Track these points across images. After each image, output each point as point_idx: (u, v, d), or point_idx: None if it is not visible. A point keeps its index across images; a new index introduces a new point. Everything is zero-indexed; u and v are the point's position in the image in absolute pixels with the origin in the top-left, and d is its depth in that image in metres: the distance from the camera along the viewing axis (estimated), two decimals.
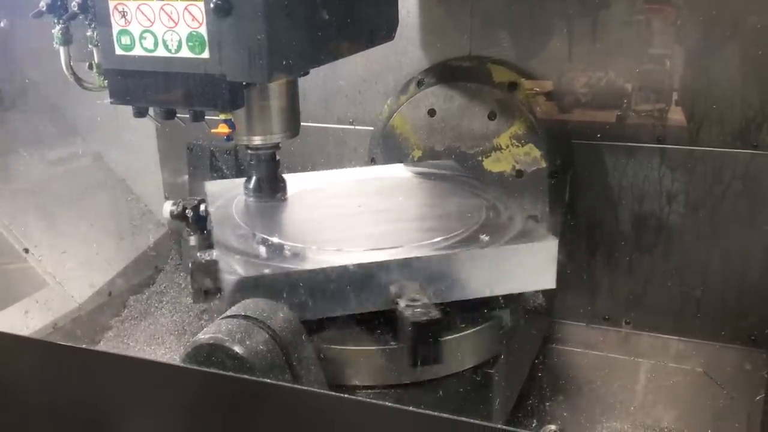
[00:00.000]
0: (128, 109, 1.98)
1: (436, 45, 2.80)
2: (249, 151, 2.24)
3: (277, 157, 2.27)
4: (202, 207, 2.32)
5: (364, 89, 2.95)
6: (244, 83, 1.84)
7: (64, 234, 3.08)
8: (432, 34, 2.80)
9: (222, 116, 1.93)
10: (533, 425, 2.33)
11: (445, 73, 2.71)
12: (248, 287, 1.73)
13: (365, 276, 1.77)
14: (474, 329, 1.82)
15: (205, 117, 1.96)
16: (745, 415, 2.42)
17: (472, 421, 1.10)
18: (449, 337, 1.76)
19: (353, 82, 2.95)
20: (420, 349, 1.64)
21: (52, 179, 3.19)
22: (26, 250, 2.96)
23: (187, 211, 2.42)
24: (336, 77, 2.93)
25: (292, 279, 1.76)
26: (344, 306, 1.78)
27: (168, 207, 2.30)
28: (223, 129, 1.95)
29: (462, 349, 1.81)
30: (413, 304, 1.66)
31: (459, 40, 2.75)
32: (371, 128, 2.88)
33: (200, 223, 2.30)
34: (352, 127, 3.00)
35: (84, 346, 1.40)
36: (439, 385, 1.82)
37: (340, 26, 2.04)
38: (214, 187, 2.43)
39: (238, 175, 3.15)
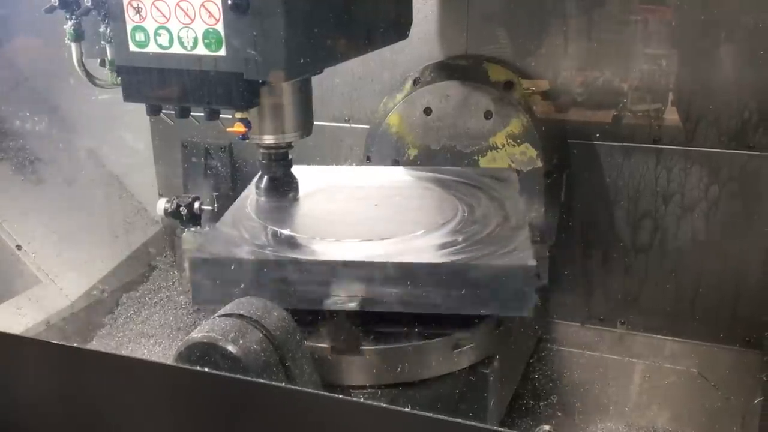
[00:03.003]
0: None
1: (432, 43, 2.79)
2: (261, 150, 2.18)
3: (290, 156, 2.23)
4: (196, 204, 2.31)
5: (360, 87, 2.94)
6: (260, 81, 1.81)
7: (57, 231, 3.06)
8: (428, 33, 2.79)
9: (238, 115, 1.91)
10: (527, 425, 2.33)
11: (442, 71, 2.70)
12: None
13: None
14: None
15: (220, 115, 1.94)
16: (739, 416, 2.42)
17: (466, 422, 1.09)
18: None
19: (349, 80, 2.94)
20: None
21: (45, 176, 3.17)
22: (18, 247, 2.94)
23: (181, 208, 2.42)
24: (332, 75, 2.91)
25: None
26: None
27: (162, 204, 2.30)
28: (239, 128, 1.93)
29: None
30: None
31: (456, 38, 2.74)
32: (367, 126, 2.87)
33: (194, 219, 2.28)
34: (348, 125, 2.99)
35: (76, 344, 1.39)
36: (434, 384, 1.82)
37: (355, 24, 2.03)
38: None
39: (233, 173, 3.14)
